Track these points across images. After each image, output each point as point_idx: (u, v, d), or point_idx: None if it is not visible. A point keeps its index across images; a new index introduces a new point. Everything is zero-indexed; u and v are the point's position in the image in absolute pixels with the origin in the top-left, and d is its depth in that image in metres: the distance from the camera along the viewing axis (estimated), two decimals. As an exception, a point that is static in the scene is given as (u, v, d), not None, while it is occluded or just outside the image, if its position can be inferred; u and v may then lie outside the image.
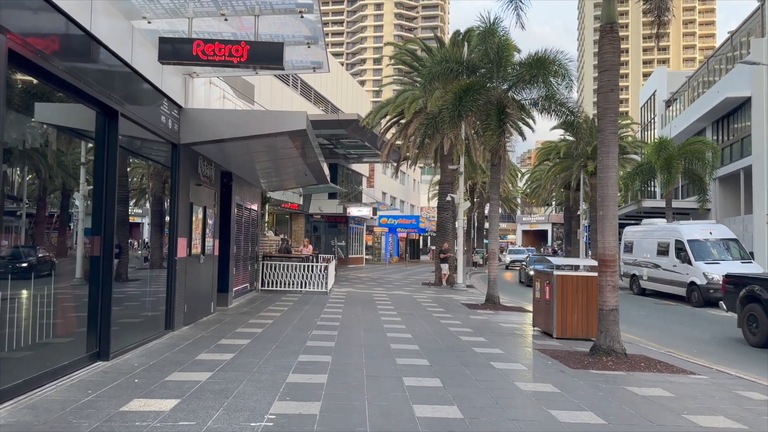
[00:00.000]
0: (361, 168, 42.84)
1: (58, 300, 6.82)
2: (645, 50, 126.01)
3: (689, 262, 20.28)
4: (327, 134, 28.33)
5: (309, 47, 9.15)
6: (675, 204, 30.88)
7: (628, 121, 39.37)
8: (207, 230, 11.80)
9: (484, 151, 25.48)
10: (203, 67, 10.09)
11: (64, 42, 6.52)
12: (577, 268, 12.19)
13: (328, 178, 19.45)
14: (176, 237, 10.02)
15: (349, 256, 42.43)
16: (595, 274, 11.45)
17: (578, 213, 42.13)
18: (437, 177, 41.67)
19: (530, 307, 16.72)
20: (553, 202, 68.14)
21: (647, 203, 31.83)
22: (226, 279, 13.82)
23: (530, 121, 24.02)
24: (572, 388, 7.00)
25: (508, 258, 47.92)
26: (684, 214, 33.44)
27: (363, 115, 26.11)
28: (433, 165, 32.52)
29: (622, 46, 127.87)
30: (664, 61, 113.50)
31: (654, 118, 47.22)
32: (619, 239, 59.84)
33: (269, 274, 18.36)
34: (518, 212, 78.33)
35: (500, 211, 61.94)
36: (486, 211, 55.69)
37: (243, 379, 6.69)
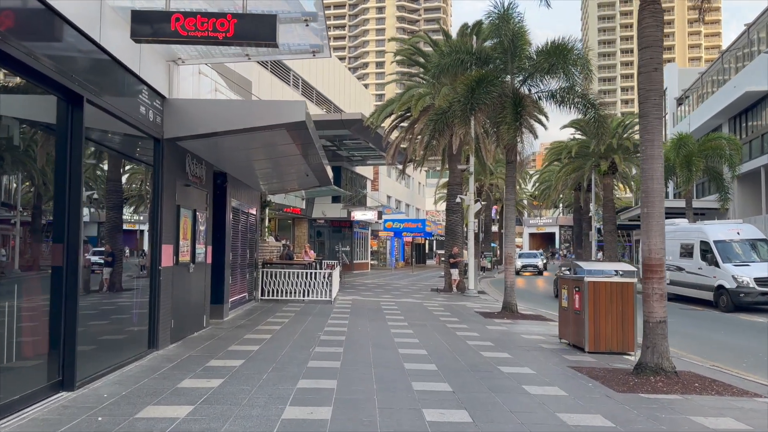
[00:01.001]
0: (366, 171, 41.72)
1: (22, 317, 5.74)
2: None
3: (716, 265, 19.05)
4: (330, 135, 27.25)
5: (307, 25, 8.01)
6: (694, 204, 29.55)
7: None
8: (197, 236, 10.65)
9: (495, 150, 24.36)
10: (188, 52, 8.99)
11: (18, 16, 5.44)
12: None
13: (332, 180, 18.32)
14: (160, 244, 8.88)
15: (354, 261, 41.27)
16: (631, 279, 10.32)
17: (589, 215, 40.89)
18: (444, 179, 40.48)
19: (550, 316, 15.57)
20: (561, 205, 66.92)
21: (665, 203, 30.41)
22: (220, 289, 12.67)
23: (543, 118, 22.82)
24: (627, 421, 5.81)
25: (518, 263, 46.35)
26: (700, 214, 32.16)
27: (367, 115, 25.04)
28: (439, 168, 31.35)
29: (626, 46, 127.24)
30: (669, 61, 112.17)
31: (665, 115, 45.96)
32: (629, 243, 58.17)
33: (269, 282, 17.19)
34: (525, 215, 77.01)
35: (508, 213, 60.35)
36: (493, 214, 54.46)
37: (229, 416, 5.52)
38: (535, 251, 51.19)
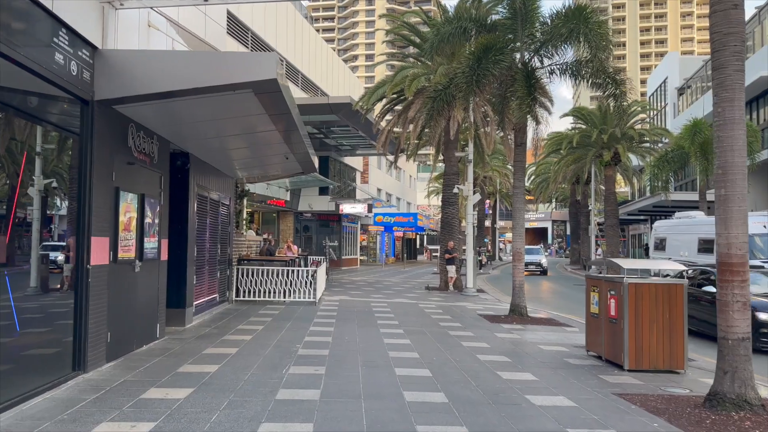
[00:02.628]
0: (355, 162, 39.67)
1: None
2: (642, 43, 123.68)
3: (741, 261, 17.26)
4: (316, 121, 25.20)
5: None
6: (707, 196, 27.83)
7: (647, 106, 36.46)
8: (147, 227, 8.65)
9: (494, 136, 22.54)
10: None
11: None
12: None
13: (317, 167, 16.32)
14: (89, 235, 6.88)
15: (343, 257, 39.29)
16: (681, 281, 8.45)
17: (588, 208, 39.21)
18: (436, 173, 38.51)
19: (563, 320, 13.78)
20: (554, 199, 65.29)
21: (676, 196, 28.54)
22: (181, 291, 10.68)
23: (547, 103, 20.94)
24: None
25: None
26: (710, 207, 30.50)
27: (356, 99, 23.03)
28: (430, 163, 29.36)
29: (618, 39, 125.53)
30: (662, 55, 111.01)
31: (665, 106, 44.31)
32: (623, 236, 56.41)
33: (246, 281, 15.20)
34: (518, 209, 75.23)
35: (501, 208, 58.70)
36: (486, 208, 52.69)
37: (141, 500, 3.57)
38: (537, 246, 44.87)
